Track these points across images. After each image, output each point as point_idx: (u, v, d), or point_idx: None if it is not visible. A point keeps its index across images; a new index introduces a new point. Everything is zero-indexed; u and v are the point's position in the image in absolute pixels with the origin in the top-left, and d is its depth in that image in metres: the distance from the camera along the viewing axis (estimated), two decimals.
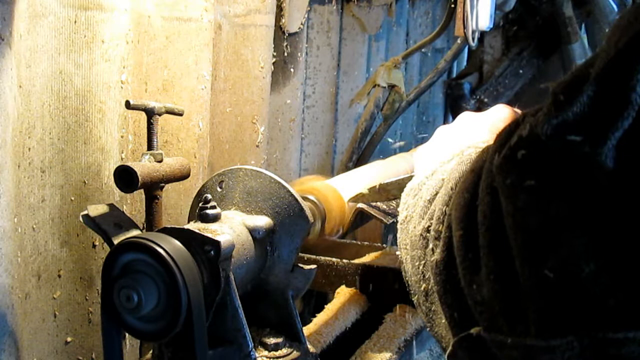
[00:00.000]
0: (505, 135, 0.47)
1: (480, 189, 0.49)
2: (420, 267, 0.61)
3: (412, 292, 0.65)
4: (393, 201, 1.07)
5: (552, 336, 0.42)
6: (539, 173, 0.43)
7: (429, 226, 0.60)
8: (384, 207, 1.11)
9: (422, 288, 0.61)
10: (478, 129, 0.76)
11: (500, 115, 0.78)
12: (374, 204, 1.09)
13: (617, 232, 0.40)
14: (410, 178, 0.74)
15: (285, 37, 1.59)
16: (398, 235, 0.69)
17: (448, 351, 0.52)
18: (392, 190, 0.97)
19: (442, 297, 0.54)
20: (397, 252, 0.69)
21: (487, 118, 0.78)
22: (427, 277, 0.59)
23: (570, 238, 0.41)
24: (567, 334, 0.41)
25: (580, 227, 0.41)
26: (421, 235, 0.61)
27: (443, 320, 0.56)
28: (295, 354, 0.85)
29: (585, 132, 0.41)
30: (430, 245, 0.58)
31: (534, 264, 0.42)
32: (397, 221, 0.71)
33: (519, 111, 0.80)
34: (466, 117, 0.81)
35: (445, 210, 0.57)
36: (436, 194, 0.62)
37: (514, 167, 0.44)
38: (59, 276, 1.03)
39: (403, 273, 0.68)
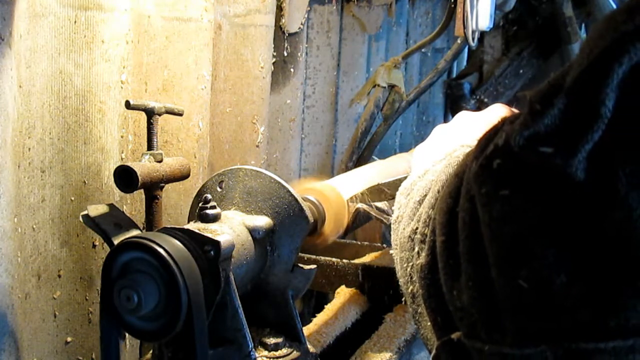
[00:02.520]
0: (484, 142, 0.47)
1: (461, 195, 0.49)
2: (408, 269, 0.61)
3: (401, 292, 0.66)
4: (392, 201, 1.07)
5: (527, 345, 0.42)
6: (513, 183, 0.43)
7: (416, 228, 0.60)
8: (384, 207, 1.10)
9: (409, 290, 0.61)
10: (475, 128, 0.76)
11: (497, 115, 0.78)
12: (374, 203, 1.09)
13: (586, 244, 0.40)
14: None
15: (285, 37, 1.59)
16: (391, 234, 0.69)
17: (432, 354, 0.52)
18: (390, 191, 0.97)
19: (426, 301, 0.55)
20: (391, 251, 0.69)
21: (485, 117, 0.78)
22: (413, 279, 0.59)
23: (542, 249, 0.41)
24: (540, 343, 0.41)
25: (551, 239, 0.41)
26: (409, 237, 0.61)
27: (428, 323, 0.56)
28: (295, 354, 0.85)
29: (556, 145, 0.41)
30: (416, 249, 0.58)
31: (508, 273, 0.43)
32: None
33: (516, 111, 0.80)
34: (464, 116, 0.81)
35: (430, 214, 0.57)
36: (425, 196, 0.62)
37: (489, 176, 0.44)
38: (59, 276, 1.03)
39: (396, 272, 0.68)
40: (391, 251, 0.70)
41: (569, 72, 0.42)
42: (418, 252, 0.57)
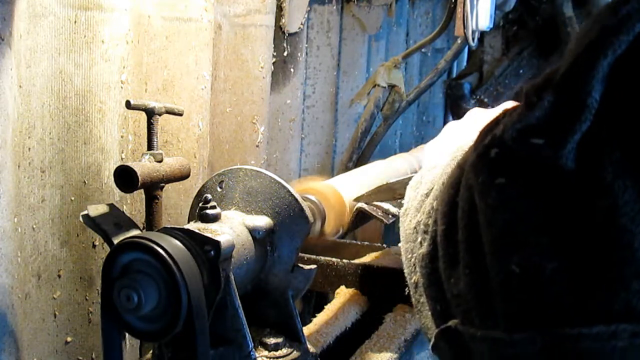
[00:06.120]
0: (485, 133, 0.49)
1: (462, 185, 0.50)
2: (412, 260, 0.62)
3: (406, 285, 0.67)
4: (396, 201, 1.07)
5: (516, 330, 0.43)
6: (508, 172, 0.44)
7: (420, 220, 0.61)
8: (384, 207, 1.10)
9: (412, 280, 0.63)
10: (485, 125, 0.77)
11: None
12: (374, 203, 1.09)
13: (575, 232, 0.41)
14: None
15: (285, 37, 1.59)
16: (400, 226, 0.70)
17: (431, 342, 0.53)
18: (398, 190, 0.97)
19: (426, 290, 0.56)
20: (399, 244, 0.70)
21: (496, 114, 0.79)
22: (416, 269, 0.61)
23: (535, 236, 0.42)
24: (529, 328, 0.42)
25: (543, 226, 0.42)
26: (414, 228, 0.62)
27: (429, 312, 0.57)
28: (295, 354, 0.85)
29: (546, 136, 0.42)
30: (419, 239, 0.60)
31: (502, 259, 0.44)
32: (398, 218, 0.72)
33: None
34: (476, 113, 0.83)
35: (434, 205, 0.58)
36: (432, 189, 0.64)
37: (486, 165, 0.46)
38: (59, 276, 1.03)
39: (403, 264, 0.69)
40: (399, 244, 0.71)
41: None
42: (420, 242, 0.59)
